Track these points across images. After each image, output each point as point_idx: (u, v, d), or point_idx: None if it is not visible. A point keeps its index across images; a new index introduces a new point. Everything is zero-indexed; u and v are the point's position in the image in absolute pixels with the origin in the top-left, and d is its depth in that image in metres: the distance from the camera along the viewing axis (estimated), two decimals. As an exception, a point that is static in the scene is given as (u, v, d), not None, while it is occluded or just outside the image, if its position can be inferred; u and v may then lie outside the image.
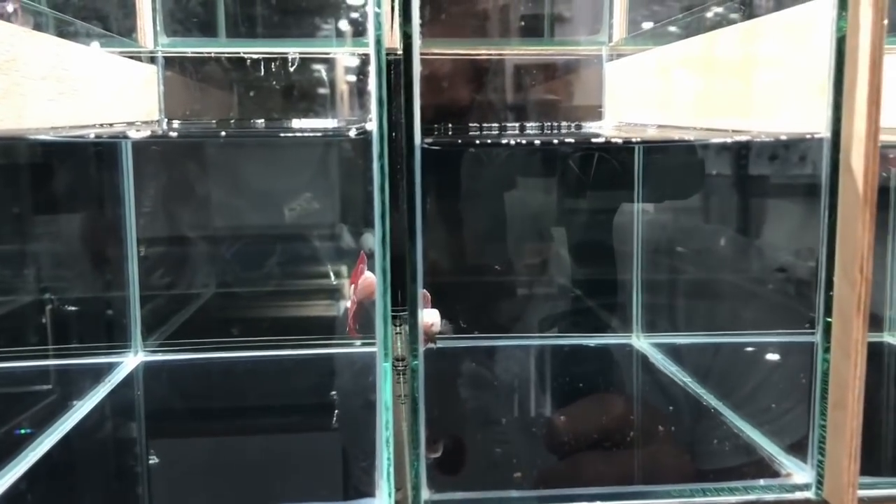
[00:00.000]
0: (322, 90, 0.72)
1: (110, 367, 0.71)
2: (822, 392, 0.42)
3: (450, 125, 0.72)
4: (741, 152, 0.75)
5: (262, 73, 0.72)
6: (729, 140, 0.61)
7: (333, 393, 0.68)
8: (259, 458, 0.56)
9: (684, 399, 0.62)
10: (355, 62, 0.72)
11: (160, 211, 0.76)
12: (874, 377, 0.63)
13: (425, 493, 0.43)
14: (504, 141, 0.65)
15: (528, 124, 0.74)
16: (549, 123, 0.74)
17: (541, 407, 0.65)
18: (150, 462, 0.55)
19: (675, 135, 0.56)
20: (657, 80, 0.63)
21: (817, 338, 0.42)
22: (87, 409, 0.62)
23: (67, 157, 0.73)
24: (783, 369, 0.64)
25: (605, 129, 0.74)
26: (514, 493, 0.46)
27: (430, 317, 0.55)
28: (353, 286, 0.58)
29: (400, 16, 0.39)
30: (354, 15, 0.71)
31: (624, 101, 0.72)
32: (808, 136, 0.42)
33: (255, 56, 0.71)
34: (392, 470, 0.42)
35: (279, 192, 0.77)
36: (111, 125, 0.60)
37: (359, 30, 0.72)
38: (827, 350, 0.42)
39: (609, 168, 0.77)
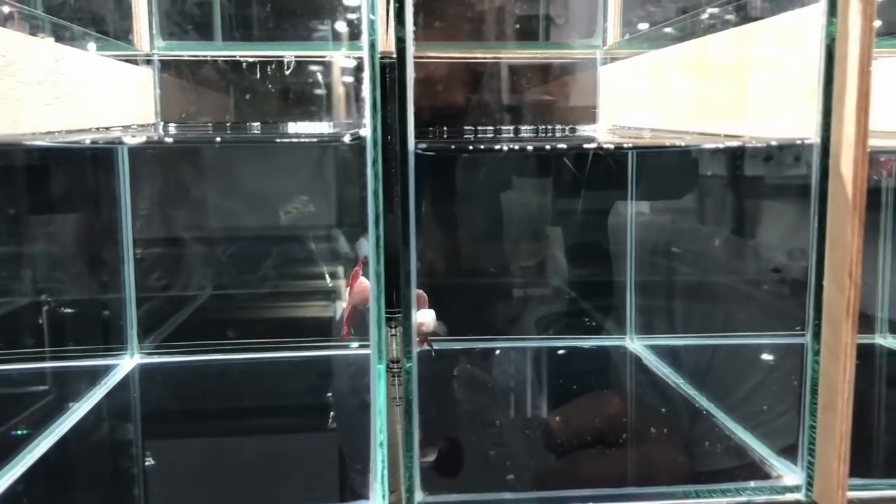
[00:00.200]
0: (318, 93, 0.72)
1: (107, 370, 0.71)
2: (812, 395, 0.42)
3: (445, 128, 0.72)
4: (735, 153, 0.75)
5: (258, 76, 0.72)
6: (721, 146, 0.62)
7: (329, 395, 0.68)
8: (254, 460, 0.56)
9: (677, 401, 0.63)
10: (351, 65, 0.72)
11: (156, 213, 0.76)
12: (865, 379, 0.64)
13: (419, 496, 0.43)
14: (497, 147, 0.66)
15: (522, 127, 0.75)
16: (544, 126, 0.75)
17: (535, 408, 0.65)
18: (147, 464, 0.55)
19: (668, 140, 0.56)
20: (651, 83, 0.63)
21: (807, 341, 0.42)
22: (84, 412, 0.62)
23: (64, 160, 0.73)
24: (775, 371, 0.64)
25: (599, 132, 0.74)
26: (508, 496, 0.46)
27: (422, 317, 0.55)
28: (349, 289, 0.59)
29: (394, 20, 0.40)
30: (351, 17, 0.72)
31: (618, 104, 0.72)
32: (799, 142, 0.42)
33: (251, 59, 0.72)
34: (386, 472, 0.43)
35: (275, 194, 0.77)
36: (107, 129, 0.60)
37: (355, 32, 0.72)
38: (817, 353, 0.42)
39: (603, 168, 0.77)
